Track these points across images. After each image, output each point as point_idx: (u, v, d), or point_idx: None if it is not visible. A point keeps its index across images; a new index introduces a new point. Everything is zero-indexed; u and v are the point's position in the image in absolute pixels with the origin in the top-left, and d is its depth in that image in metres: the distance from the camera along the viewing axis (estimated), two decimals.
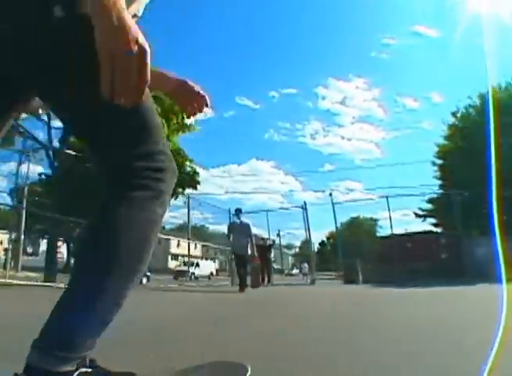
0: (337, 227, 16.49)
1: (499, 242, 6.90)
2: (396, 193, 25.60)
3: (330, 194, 17.34)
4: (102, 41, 0.79)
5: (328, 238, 55.72)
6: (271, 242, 15.51)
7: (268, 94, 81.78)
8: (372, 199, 22.47)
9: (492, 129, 12.70)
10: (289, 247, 62.99)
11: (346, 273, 13.97)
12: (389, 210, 14.85)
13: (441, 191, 21.31)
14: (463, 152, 18.90)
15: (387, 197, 15.35)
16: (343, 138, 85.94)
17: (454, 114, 21.58)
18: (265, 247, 13.05)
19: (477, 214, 15.74)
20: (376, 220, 45.81)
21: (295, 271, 44.46)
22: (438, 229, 22.17)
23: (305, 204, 15.20)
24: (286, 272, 35.26)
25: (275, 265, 20.38)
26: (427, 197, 21.80)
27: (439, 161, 22.76)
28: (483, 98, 19.15)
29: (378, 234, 38.30)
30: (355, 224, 54.06)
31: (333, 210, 15.10)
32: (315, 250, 38.59)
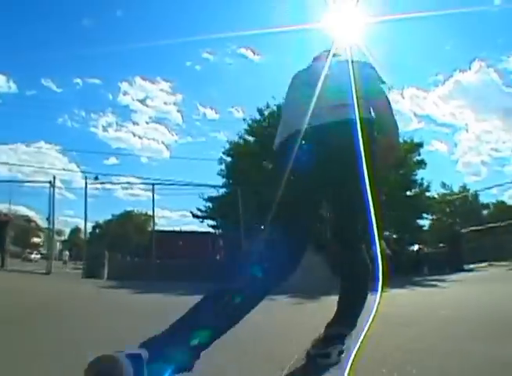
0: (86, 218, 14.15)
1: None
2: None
3: (96, 178, 16.45)
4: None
5: (94, 227, 52.46)
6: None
7: (73, 80, 75.00)
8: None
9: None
10: (59, 233, 56.71)
11: (89, 266, 12.03)
12: (153, 204, 14.10)
13: (224, 189, 21.15)
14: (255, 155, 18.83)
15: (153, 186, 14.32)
16: (134, 135, 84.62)
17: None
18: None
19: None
20: (150, 216, 44.15)
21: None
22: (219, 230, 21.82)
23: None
24: (23, 256, 29.54)
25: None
26: (207, 196, 21.60)
27: (229, 158, 22.12)
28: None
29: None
30: (127, 217, 52.08)
31: (85, 200, 13.70)
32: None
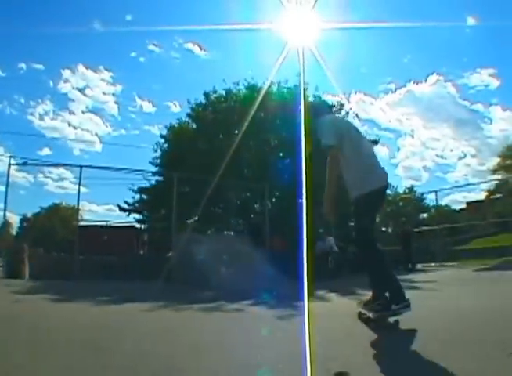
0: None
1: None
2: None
3: (25, 163, 15.11)
4: None
5: (22, 220, 50.04)
6: None
7: (18, 65, 69.52)
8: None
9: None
10: None
11: (8, 263, 10.87)
12: (78, 188, 13.21)
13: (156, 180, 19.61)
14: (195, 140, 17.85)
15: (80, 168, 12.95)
16: (70, 125, 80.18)
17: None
18: None
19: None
20: (78, 209, 41.67)
21: None
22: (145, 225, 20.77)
23: None
24: None
25: None
26: (137, 187, 20.08)
27: (165, 145, 20.39)
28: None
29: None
30: (54, 210, 49.31)
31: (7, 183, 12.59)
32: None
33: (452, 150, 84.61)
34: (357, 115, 19.24)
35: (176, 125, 20.40)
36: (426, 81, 75.22)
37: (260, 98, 15.37)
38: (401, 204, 36.96)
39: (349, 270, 12.87)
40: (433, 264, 15.17)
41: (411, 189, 38.98)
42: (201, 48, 51.24)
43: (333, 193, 3.84)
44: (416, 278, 9.59)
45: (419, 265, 14.44)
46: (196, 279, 8.89)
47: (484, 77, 76.28)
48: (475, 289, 6.63)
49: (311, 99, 17.27)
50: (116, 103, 73.53)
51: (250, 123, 14.20)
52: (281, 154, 16.70)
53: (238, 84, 18.60)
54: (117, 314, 5.19)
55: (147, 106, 70.06)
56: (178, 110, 50.36)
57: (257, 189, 15.99)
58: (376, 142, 19.68)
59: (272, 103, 16.59)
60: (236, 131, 15.47)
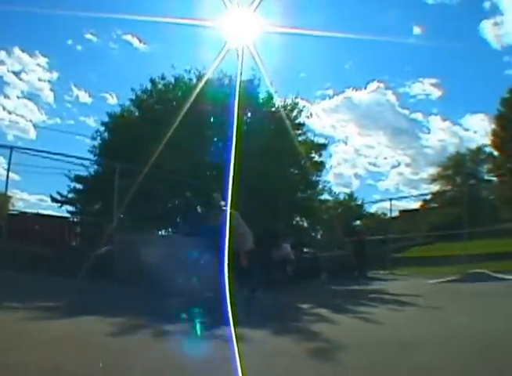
0: None
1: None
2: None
3: None
4: None
5: None
6: None
7: None
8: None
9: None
10: None
11: None
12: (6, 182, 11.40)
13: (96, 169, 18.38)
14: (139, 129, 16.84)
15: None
16: (4, 109, 73.88)
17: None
18: None
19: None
20: (8, 196, 39.06)
21: None
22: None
23: None
24: None
25: None
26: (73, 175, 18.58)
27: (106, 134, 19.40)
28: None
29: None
30: None
31: None
32: None
33: (386, 158, 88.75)
34: (311, 114, 18.99)
35: (118, 113, 19.22)
36: (366, 88, 77.69)
37: (209, 90, 15.27)
38: (340, 210, 37.81)
39: (305, 278, 12.78)
40: (381, 272, 15.42)
41: (351, 195, 40.03)
42: (140, 41, 49.40)
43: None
44: (389, 288, 9.71)
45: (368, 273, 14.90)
46: (143, 281, 8.42)
47: (426, 87, 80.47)
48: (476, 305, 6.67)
49: (263, 95, 17.33)
50: (52, 90, 69.60)
51: (196, 116, 13.98)
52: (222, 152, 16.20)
53: (189, 72, 17.75)
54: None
55: (83, 96, 66.95)
56: (114, 101, 48.55)
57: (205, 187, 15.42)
58: (325, 146, 19.86)
59: (218, 98, 16.15)
60: (182, 124, 14.64)
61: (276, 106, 17.54)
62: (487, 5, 69.95)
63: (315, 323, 5.27)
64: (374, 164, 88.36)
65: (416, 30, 64.10)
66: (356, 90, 74.04)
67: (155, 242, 10.26)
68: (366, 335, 4.54)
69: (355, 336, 4.44)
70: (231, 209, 7.65)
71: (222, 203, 8.10)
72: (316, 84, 59.01)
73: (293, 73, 42.45)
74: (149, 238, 10.78)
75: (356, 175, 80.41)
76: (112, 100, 50.76)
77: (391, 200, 19.14)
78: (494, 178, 38.49)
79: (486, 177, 40.15)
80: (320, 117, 21.20)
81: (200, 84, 16.33)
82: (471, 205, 15.54)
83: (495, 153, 37.42)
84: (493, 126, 36.97)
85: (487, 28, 64.91)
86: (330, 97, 71.35)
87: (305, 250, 17.24)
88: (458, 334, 4.45)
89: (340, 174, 67.29)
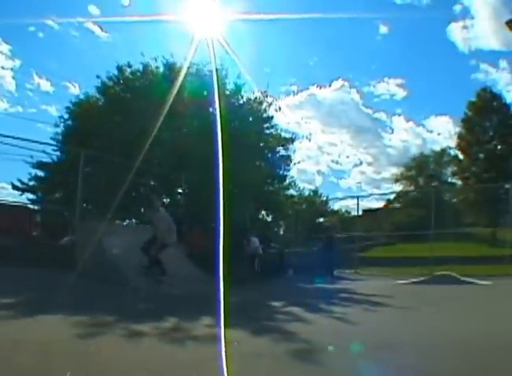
0: None
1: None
2: None
3: None
4: None
5: None
6: None
7: None
8: None
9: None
10: None
11: None
12: None
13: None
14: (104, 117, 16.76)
15: None
16: None
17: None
18: None
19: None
20: None
21: None
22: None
23: None
24: None
25: None
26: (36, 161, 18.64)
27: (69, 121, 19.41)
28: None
29: None
30: None
31: None
32: None
33: (348, 157, 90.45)
34: (280, 108, 18.93)
35: (83, 100, 19.14)
36: (330, 85, 78.89)
37: (179, 79, 14.73)
38: (304, 206, 38.12)
39: (272, 274, 12.77)
40: (347, 271, 15.57)
41: (316, 192, 40.44)
42: (102, 30, 48.13)
43: None
44: (358, 288, 9.84)
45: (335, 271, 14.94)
46: (107, 274, 8.19)
47: (391, 87, 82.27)
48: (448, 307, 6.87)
49: (231, 86, 17.32)
50: (13, 78, 67.99)
51: (163, 105, 13.58)
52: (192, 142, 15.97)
53: (156, 61, 17.49)
54: None
55: (44, 85, 65.54)
56: (76, 91, 47.69)
57: (171, 177, 15.22)
58: (292, 140, 19.70)
59: (186, 89, 16.05)
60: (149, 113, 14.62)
61: (245, 98, 17.56)
62: (457, 8, 72.22)
63: (292, 323, 5.22)
64: (337, 162, 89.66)
65: (383, 29, 65.25)
66: (320, 87, 74.77)
67: (119, 232, 9.97)
68: (346, 336, 4.54)
69: (334, 337, 4.42)
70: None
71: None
72: (281, 79, 59.19)
73: (258, 67, 42.52)
74: (113, 228, 10.45)
75: (319, 172, 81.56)
76: (74, 89, 49.55)
77: (358, 197, 19.09)
78: (458, 182, 39.84)
79: (450, 180, 41.56)
80: (285, 113, 21.40)
81: (169, 73, 16.41)
82: (436, 207, 15.85)
83: (461, 156, 38.69)
84: (459, 129, 38.23)
85: (455, 31, 66.89)
86: (295, 93, 71.75)
87: (272, 245, 17.26)
88: (436, 335, 4.54)
89: (303, 170, 67.82)
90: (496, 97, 37.10)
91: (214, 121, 13.88)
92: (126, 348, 3.69)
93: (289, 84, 74.99)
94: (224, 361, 3.17)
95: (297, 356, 3.58)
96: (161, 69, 17.33)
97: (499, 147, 35.78)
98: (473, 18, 71.64)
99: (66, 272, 8.20)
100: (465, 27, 68.99)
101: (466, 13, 74.53)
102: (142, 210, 15.40)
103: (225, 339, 3.82)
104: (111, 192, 15.25)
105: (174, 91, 14.18)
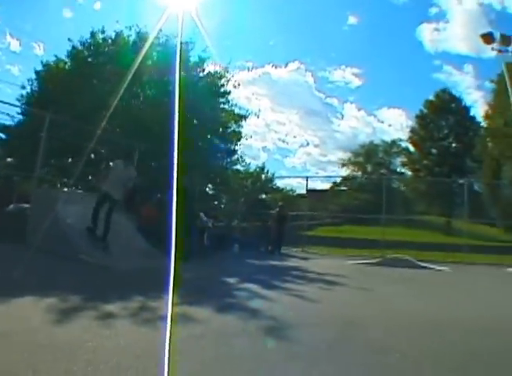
0: None
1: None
2: None
3: None
4: None
5: None
6: None
7: None
8: None
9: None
10: None
11: None
12: None
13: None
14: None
15: None
16: None
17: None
18: None
19: None
20: None
21: None
22: None
23: None
24: None
25: None
26: None
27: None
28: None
29: None
30: None
31: None
32: None
33: (295, 137, 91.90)
34: (238, 84, 19.20)
35: (52, 63, 18.97)
36: (286, 66, 79.29)
37: (145, 49, 14.97)
38: (249, 181, 38.22)
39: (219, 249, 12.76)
40: (294, 249, 15.80)
41: (262, 168, 40.53)
42: None
43: None
44: (309, 267, 10.00)
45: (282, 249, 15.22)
46: (60, 247, 7.61)
47: (347, 75, 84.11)
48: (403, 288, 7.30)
49: (195, 59, 17.72)
50: None
51: (127, 73, 13.67)
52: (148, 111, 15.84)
53: (130, 29, 17.66)
54: None
55: (15, 44, 62.37)
56: (40, 52, 45.59)
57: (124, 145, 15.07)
58: (245, 117, 19.99)
59: (151, 59, 16.47)
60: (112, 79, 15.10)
61: (206, 71, 18.02)
62: (434, 10, 74.92)
63: (253, 300, 5.25)
64: (283, 141, 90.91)
65: (352, 19, 66.42)
66: (276, 67, 75.36)
67: (75, 201, 9.39)
68: (310, 313, 4.65)
69: (299, 314, 4.51)
70: None
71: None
72: (238, 54, 58.83)
73: (220, 41, 41.99)
74: (69, 196, 9.93)
75: (265, 149, 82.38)
76: (39, 51, 46.94)
77: (307, 178, 19.57)
78: (407, 172, 42.00)
79: (398, 170, 43.75)
80: (236, 88, 21.91)
81: (139, 42, 16.50)
82: (386, 194, 16.51)
83: (412, 149, 40.70)
84: (411, 123, 40.15)
85: (425, 31, 69.37)
86: (249, 69, 71.63)
87: (219, 219, 17.19)
88: (395, 313, 4.85)
89: (249, 145, 68.08)
90: (455, 99, 39.50)
91: (172, 92, 13.95)
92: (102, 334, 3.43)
93: (245, 59, 74.83)
94: (204, 340, 3.22)
95: (271, 333, 3.63)
96: (132, 37, 17.49)
97: (453, 145, 38.10)
98: (447, 22, 74.82)
99: (15, 244, 7.80)
100: (437, 29, 71.91)
101: (441, 16, 77.54)
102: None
103: (191, 318, 3.86)
104: (67, 158, 14.90)
105: (139, 59, 14.27)
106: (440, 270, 10.77)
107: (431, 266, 11.14)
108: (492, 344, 3.57)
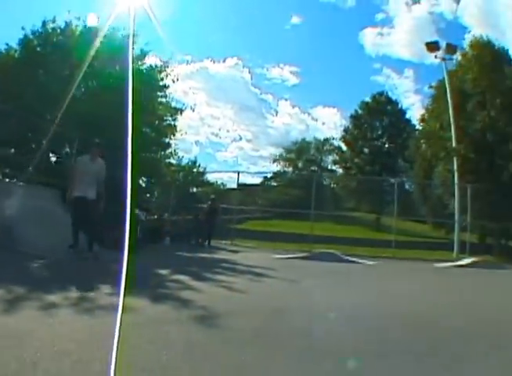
0: None
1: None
2: None
3: None
4: None
5: None
6: None
7: None
8: None
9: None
10: None
11: None
12: None
13: None
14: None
15: None
16: None
17: None
18: None
19: None
20: None
21: None
22: None
23: None
24: None
25: None
26: None
27: None
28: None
29: None
30: None
31: None
32: None
33: (228, 131, 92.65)
34: (177, 79, 19.07)
35: (4, 51, 17.61)
36: (224, 61, 79.63)
37: (91, 40, 14.85)
38: (181, 175, 37.97)
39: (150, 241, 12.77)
40: (223, 242, 16.07)
41: (194, 162, 40.42)
42: None
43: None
44: (239, 259, 10.34)
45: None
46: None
47: (284, 73, 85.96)
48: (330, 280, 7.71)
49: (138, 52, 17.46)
50: None
51: (72, 64, 13.92)
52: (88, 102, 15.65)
53: (79, 19, 17.18)
54: None
55: None
56: None
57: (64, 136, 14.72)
58: (181, 111, 19.98)
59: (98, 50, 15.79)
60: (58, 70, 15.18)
61: (148, 64, 17.84)
62: (380, 15, 77.81)
63: (184, 291, 5.39)
64: (216, 135, 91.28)
65: (295, 19, 67.68)
66: (214, 62, 75.49)
67: (16, 192, 9.04)
68: (239, 303, 4.92)
69: (228, 304, 4.74)
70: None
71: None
72: (178, 47, 57.95)
73: (162, 33, 41.07)
74: (9, 187, 9.84)
75: (197, 143, 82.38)
76: None
77: (238, 172, 20.15)
78: (338, 170, 43.60)
79: (330, 167, 45.35)
80: (174, 81, 21.81)
81: (88, 33, 16.13)
82: (316, 190, 17.20)
83: (344, 147, 42.25)
84: (345, 122, 41.74)
85: (369, 35, 72.97)
86: (188, 62, 71.17)
87: (152, 212, 17.12)
88: (318, 303, 5.29)
89: (182, 139, 67.71)
90: (392, 101, 41.44)
91: (113, 84, 14.02)
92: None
93: (184, 53, 73.76)
94: (141, 328, 3.41)
95: (203, 321, 3.85)
96: (81, 28, 17.02)
97: (386, 145, 40.09)
98: (392, 27, 78.09)
99: None
100: (380, 34, 75.37)
101: (387, 22, 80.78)
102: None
103: (132, 307, 3.97)
104: (9, 148, 14.21)
105: (85, 51, 14.18)
106: (367, 264, 11.52)
107: (360, 261, 11.88)
108: (400, 325, 4.18)
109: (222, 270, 8.12)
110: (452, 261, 14.25)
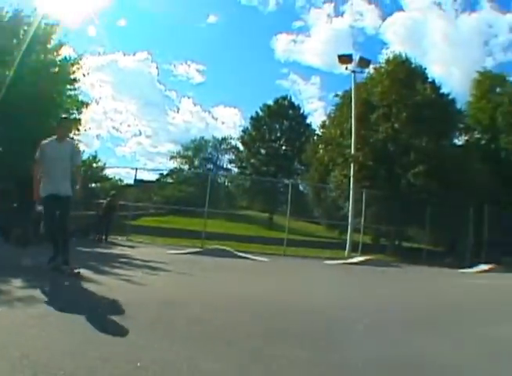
0: None
1: None
2: None
3: None
4: None
5: None
6: None
7: None
8: None
9: None
10: None
11: None
12: None
13: None
14: None
15: None
16: None
17: None
18: None
19: None
20: None
21: None
22: None
23: None
24: None
25: None
26: None
27: None
28: None
29: None
30: None
31: None
32: None
33: (129, 126, 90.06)
34: (88, 73, 18.63)
35: None
36: (134, 55, 77.53)
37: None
38: (82, 170, 36.52)
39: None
40: (119, 237, 16.13)
41: (95, 157, 39.10)
42: None
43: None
44: (135, 254, 10.68)
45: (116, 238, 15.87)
46: None
47: (191, 70, 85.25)
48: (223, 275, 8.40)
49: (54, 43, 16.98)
50: None
51: None
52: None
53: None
54: None
55: None
56: None
57: None
58: (87, 105, 19.49)
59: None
60: None
61: (61, 56, 17.34)
62: (298, 23, 79.09)
63: (85, 284, 5.65)
64: (117, 129, 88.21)
65: (212, 18, 67.46)
66: (125, 55, 73.01)
67: None
68: (136, 294, 5.34)
69: (126, 295, 5.09)
70: None
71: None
72: (88, 39, 55.26)
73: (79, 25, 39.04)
74: None
75: (99, 137, 79.19)
76: None
77: (136, 169, 20.28)
78: (234, 169, 44.61)
79: (226, 166, 46.29)
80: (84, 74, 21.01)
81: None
82: (211, 188, 17.91)
83: (241, 147, 43.30)
84: (245, 123, 42.91)
85: (281, 41, 74.29)
86: (99, 54, 68.04)
87: None
88: (210, 294, 5.91)
89: (84, 133, 64.70)
90: (293, 106, 43.06)
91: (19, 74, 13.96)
92: None
93: (97, 44, 70.57)
94: (47, 318, 3.66)
95: (103, 311, 4.25)
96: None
97: (283, 148, 41.67)
98: (308, 36, 79.65)
99: None
100: (294, 41, 76.95)
101: (304, 30, 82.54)
102: None
103: (37, 299, 4.27)
104: None
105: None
106: (259, 261, 12.41)
107: (252, 257, 12.69)
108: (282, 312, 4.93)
109: (120, 264, 8.42)
110: (344, 259, 15.70)
